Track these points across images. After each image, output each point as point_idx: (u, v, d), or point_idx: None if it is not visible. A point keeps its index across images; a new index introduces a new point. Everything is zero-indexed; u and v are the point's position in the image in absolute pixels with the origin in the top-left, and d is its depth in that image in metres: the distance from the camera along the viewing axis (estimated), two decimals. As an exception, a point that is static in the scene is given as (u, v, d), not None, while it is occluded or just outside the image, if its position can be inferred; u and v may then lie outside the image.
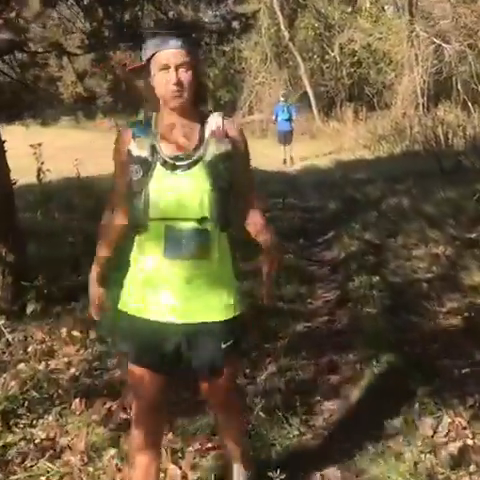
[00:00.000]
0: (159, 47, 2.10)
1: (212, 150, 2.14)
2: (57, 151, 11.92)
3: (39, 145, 7.77)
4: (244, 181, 2.28)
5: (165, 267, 2.14)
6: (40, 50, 8.61)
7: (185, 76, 2.10)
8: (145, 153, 2.13)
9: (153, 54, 2.11)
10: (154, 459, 2.39)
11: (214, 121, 2.20)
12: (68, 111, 8.58)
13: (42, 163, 7.72)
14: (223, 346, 2.21)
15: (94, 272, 2.38)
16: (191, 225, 2.11)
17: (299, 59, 23.01)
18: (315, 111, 22.24)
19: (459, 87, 21.46)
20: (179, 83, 2.08)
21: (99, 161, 5.91)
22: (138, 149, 2.14)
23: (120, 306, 2.26)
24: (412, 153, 13.99)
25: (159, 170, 2.12)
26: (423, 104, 20.68)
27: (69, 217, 7.78)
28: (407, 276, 5.70)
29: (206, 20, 8.18)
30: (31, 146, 7.73)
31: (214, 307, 2.19)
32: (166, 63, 2.08)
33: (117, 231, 2.32)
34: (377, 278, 5.63)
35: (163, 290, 2.16)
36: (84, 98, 8.21)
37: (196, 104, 2.20)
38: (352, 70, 23.24)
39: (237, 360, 2.51)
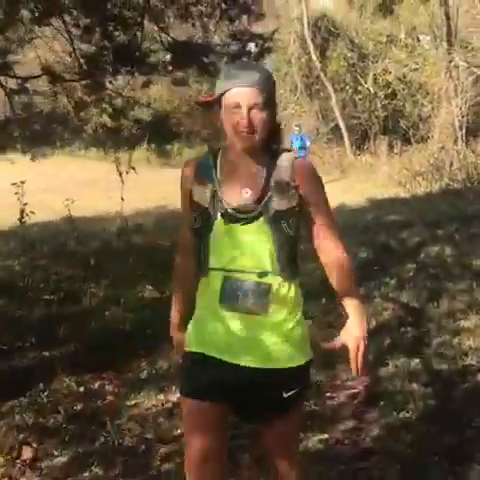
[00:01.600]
0: (231, 83, 1.98)
1: (274, 206, 2.00)
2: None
3: (22, 183, 6.78)
4: (319, 224, 2.08)
5: (222, 317, 2.06)
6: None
7: (258, 117, 1.97)
8: (205, 201, 2.03)
9: (224, 92, 1.99)
10: None
11: (284, 165, 2.04)
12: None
13: (25, 204, 6.72)
14: (285, 395, 2.08)
15: (174, 319, 2.36)
16: (250, 278, 2.01)
17: (331, 90, 22.03)
18: (347, 144, 21.12)
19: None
20: (250, 125, 1.96)
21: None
22: (199, 194, 2.04)
23: (186, 348, 2.18)
24: (452, 192, 12.76)
25: (219, 222, 2.02)
26: (462, 138, 19.57)
27: (54, 268, 6.72)
28: (456, 360, 4.45)
29: (218, 41, 7.19)
30: (13, 184, 6.76)
31: (273, 355, 2.06)
32: (238, 102, 1.96)
33: (188, 275, 2.24)
34: (417, 361, 4.42)
35: (222, 338, 2.06)
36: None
37: (268, 145, 2.05)
38: (386, 102, 22.21)
39: (299, 411, 2.27)
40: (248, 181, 2.04)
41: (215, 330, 2.07)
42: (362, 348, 2.08)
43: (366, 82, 22.49)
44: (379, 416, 3.72)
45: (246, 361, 2.05)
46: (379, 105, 22.30)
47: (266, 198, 2.01)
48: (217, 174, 2.06)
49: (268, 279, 2.01)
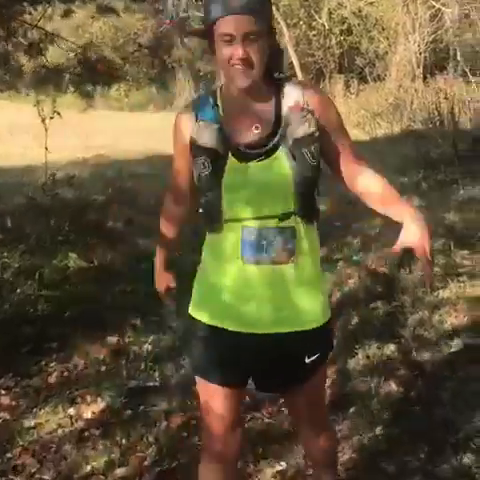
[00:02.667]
0: (220, 10, 1.70)
1: (292, 133, 1.77)
2: None
3: None
4: (341, 149, 1.87)
5: (243, 274, 1.83)
6: None
7: (254, 48, 1.71)
8: (213, 142, 1.79)
9: (213, 21, 1.72)
10: None
11: (292, 93, 1.81)
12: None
13: None
14: (307, 360, 1.90)
15: (159, 257, 2.20)
16: (272, 223, 1.79)
17: (283, 26, 20.84)
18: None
19: (459, 57, 19.73)
20: (247, 58, 1.71)
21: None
22: (204, 137, 1.80)
23: (193, 312, 1.96)
24: (414, 133, 11.84)
25: (231, 162, 1.79)
26: (421, 76, 18.84)
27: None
28: (439, 346, 3.65)
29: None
30: None
31: (303, 315, 1.88)
32: (230, 32, 1.70)
33: (177, 218, 2.12)
34: (392, 349, 3.61)
35: (242, 299, 1.85)
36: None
37: (269, 74, 1.81)
38: (342, 38, 21.26)
39: (322, 375, 2.05)
40: (256, 115, 1.83)
41: (235, 295, 1.87)
42: (428, 250, 1.75)
43: (320, 17, 21.46)
44: (350, 432, 2.90)
45: (271, 327, 1.86)
46: (334, 42, 21.35)
47: (280, 128, 1.80)
48: (220, 112, 1.83)
49: (291, 221, 1.81)
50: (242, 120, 1.83)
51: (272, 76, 1.83)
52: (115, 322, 4.08)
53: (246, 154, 1.79)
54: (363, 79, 20.17)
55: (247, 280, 1.84)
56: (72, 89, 8.68)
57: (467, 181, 7.25)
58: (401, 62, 19.21)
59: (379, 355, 3.55)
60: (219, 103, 1.85)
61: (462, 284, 4.46)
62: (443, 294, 4.35)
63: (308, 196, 1.83)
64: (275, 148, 1.79)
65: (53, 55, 7.29)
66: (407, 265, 4.82)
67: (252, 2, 1.70)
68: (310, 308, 1.89)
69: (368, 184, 1.88)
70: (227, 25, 1.70)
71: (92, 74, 6.21)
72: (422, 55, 19.39)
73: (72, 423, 3.02)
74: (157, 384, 3.37)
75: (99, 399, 3.17)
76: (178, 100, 24.07)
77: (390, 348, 3.63)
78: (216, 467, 1.99)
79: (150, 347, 3.74)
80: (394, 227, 1.88)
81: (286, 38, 20.92)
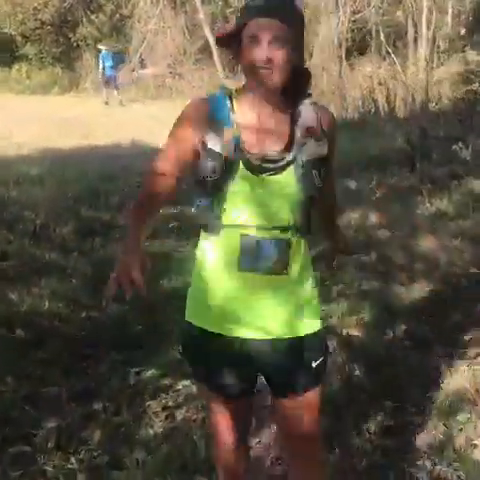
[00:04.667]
0: (252, 14, 1.76)
1: (306, 153, 1.82)
2: None
3: None
4: (330, 182, 1.99)
5: (239, 281, 1.85)
6: None
7: (278, 53, 1.74)
8: (225, 149, 1.77)
9: (244, 23, 1.77)
10: None
11: (307, 113, 1.85)
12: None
13: None
14: (314, 364, 1.91)
15: (134, 234, 1.85)
16: (270, 234, 1.83)
17: (198, 2, 19.39)
18: (218, 65, 18.66)
19: (382, 38, 18.90)
20: (269, 60, 1.73)
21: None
22: (215, 140, 1.77)
23: (188, 317, 1.95)
24: (351, 125, 10.71)
25: (242, 172, 1.79)
26: (343, 58, 17.91)
27: None
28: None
29: None
30: None
31: (298, 321, 1.90)
32: (256, 34, 1.74)
33: (154, 209, 1.96)
34: None
35: (238, 304, 1.86)
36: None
37: (289, 92, 1.83)
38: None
39: (322, 385, 2.00)
40: (272, 127, 1.84)
41: (232, 301, 1.86)
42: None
43: (237, -7, 20.16)
44: None
45: (271, 333, 1.86)
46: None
47: (296, 146, 1.82)
48: (236, 118, 1.81)
49: (288, 234, 1.84)
50: (256, 129, 1.83)
51: (290, 92, 1.82)
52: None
53: (257, 167, 1.79)
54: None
55: (243, 287, 1.85)
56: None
57: (430, 190, 6.10)
58: (325, 43, 18.18)
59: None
60: (235, 107, 1.83)
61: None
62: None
63: (307, 212, 1.87)
64: (287, 165, 1.80)
65: None
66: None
67: (285, 10, 1.76)
68: (305, 316, 1.90)
69: (324, 210, 2.13)
70: (256, 27, 1.74)
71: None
72: (344, 35, 18.54)
73: None
74: None
75: None
76: (84, 81, 22.28)
77: None
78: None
79: None
80: None
81: (201, 15, 19.56)
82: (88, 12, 23.97)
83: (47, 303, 3.81)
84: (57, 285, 4.14)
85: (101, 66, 18.58)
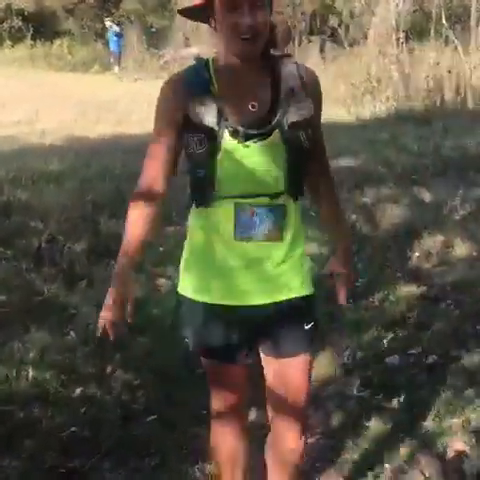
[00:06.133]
0: None
1: (291, 115, 1.78)
2: None
3: None
4: (319, 141, 1.94)
5: (234, 250, 1.85)
6: None
7: (260, 16, 1.69)
8: (210, 120, 1.75)
9: None
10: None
11: (290, 73, 1.81)
12: None
13: None
14: (306, 327, 1.92)
15: (127, 263, 1.86)
16: (264, 201, 1.82)
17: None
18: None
19: (444, 20, 17.49)
20: (253, 26, 1.68)
21: None
22: (199, 114, 1.75)
23: (181, 290, 1.93)
24: (413, 114, 9.48)
25: (227, 141, 1.76)
26: (401, 42, 16.60)
27: None
28: None
29: None
30: None
31: (292, 285, 1.90)
32: (237, 1, 1.68)
33: (147, 225, 1.89)
34: None
35: (233, 273, 1.86)
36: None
37: (267, 50, 1.80)
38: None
39: (313, 350, 2.01)
40: (253, 93, 1.80)
41: (227, 270, 1.86)
42: (351, 280, 2.10)
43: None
44: None
45: (265, 298, 1.87)
46: (305, -2, 18.79)
47: (279, 109, 1.79)
48: (214, 87, 1.78)
49: (281, 200, 1.84)
50: (238, 97, 1.80)
51: (268, 53, 1.82)
52: None
53: (242, 134, 1.77)
54: (337, 43, 17.74)
55: (238, 256, 1.85)
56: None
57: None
58: (382, 25, 16.84)
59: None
60: (213, 77, 1.80)
61: None
62: None
63: (298, 176, 1.86)
64: (272, 129, 1.78)
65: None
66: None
67: None
68: (298, 278, 1.90)
69: (322, 197, 2.00)
70: None
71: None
72: (403, 17, 17.19)
73: None
74: None
75: None
76: (125, 59, 21.35)
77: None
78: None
79: None
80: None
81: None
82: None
83: (30, 373, 2.79)
84: (48, 340, 3.13)
85: (110, 40, 20.43)
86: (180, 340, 2.05)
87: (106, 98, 12.81)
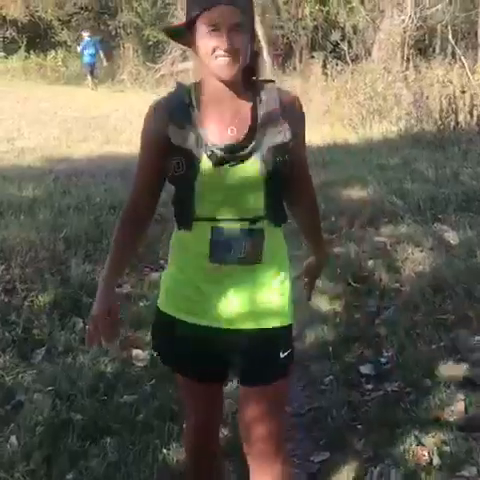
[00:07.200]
0: (206, 2, 1.74)
1: (268, 141, 1.82)
2: None
3: None
4: (300, 164, 1.95)
5: (211, 273, 1.86)
6: None
7: (239, 40, 1.74)
8: (189, 143, 1.79)
9: (199, 12, 1.75)
10: None
11: (269, 98, 1.85)
12: None
13: None
14: (282, 355, 1.90)
15: (111, 276, 1.93)
16: (242, 225, 1.84)
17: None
18: (268, 61, 16.83)
19: (450, 37, 16.89)
20: (231, 49, 1.73)
21: None
22: (179, 137, 1.80)
23: (160, 306, 1.96)
24: (429, 139, 8.77)
25: (205, 164, 1.79)
26: (407, 58, 16.09)
27: None
28: None
29: None
30: None
31: (268, 313, 1.90)
32: (216, 23, 1.74)
33: (133, 244, 1.99)
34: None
35: (208, 295, 1.88)
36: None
37: (248, 76, 1.85)
38: (316, 8, 18.20)
39: (289, 379, 1.98)
40: (232, 118, 1.84)
41: (202, 291, 1.87)
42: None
43: (292, -18, 18.40)
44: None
45: (240, 323, 1.87)
46: (308, 12, 18.30)
47: (256, 134, 1.82)
48: (195, 111, 1.84)
49: (260, 224, 1.85)
50: (218, 121, 1.83)
51: (250, 79, 1.85)
52: None
53: (220, 158, 1.79)
54: (339, 59, 17.14)
55: (214, 278, 1.85)
56: None
57: None
58: (388, 40, 16.23)
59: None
60: (194, 102, 1.84)
61: None
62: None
63: (277, 201, 1.87)
64: (250, 153, 1.80)
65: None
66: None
67: None
68: (276, 306, 1.89)
69: (304, 212, 2.03)
70: (213, 15, 1.72)
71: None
72: (408, 34, 16.63)
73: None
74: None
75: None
76: (121, 72, 20.70)
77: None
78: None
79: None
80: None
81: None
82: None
83: None
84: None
85: (81, 52, 19.78)
86: None
87: (95, 113, 12.12)
